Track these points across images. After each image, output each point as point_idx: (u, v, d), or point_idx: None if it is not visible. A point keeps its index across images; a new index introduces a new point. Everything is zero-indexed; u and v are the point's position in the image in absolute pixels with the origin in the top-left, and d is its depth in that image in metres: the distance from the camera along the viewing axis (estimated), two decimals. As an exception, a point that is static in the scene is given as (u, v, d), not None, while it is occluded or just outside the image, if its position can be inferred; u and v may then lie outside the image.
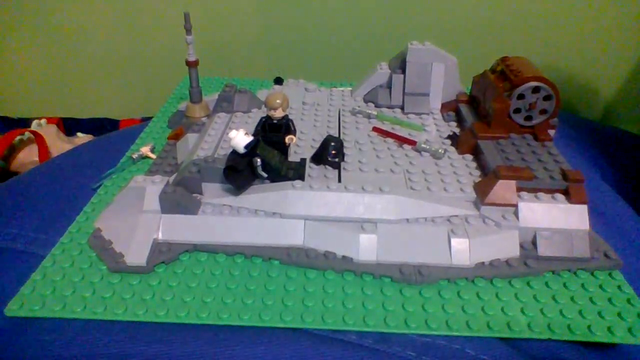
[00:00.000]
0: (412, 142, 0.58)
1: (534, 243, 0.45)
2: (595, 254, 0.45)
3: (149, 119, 0.73)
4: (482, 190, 0.48)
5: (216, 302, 0.41)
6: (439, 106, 0.67)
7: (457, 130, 0.62)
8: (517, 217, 0.46)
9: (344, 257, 0.44)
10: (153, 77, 1.16)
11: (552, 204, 0.46)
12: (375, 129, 0.61)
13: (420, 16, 1.04)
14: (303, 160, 0.54)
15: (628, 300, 0.41)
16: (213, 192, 0.49)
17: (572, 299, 0.42)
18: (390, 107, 0.68)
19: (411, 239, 0.45)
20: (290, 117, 0.53)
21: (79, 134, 1.16)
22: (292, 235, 0.46)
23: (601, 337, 0.38)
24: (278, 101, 0.50)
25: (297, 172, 0.51)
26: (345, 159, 0.55)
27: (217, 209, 0.47)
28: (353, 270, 0.44)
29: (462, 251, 0.44)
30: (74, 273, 0.43)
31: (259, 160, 0.47)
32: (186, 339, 0.38)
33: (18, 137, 1.01)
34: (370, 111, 0.65)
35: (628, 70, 1.04)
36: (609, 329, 0.39)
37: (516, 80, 0.55)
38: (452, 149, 0.58)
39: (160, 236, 0.46)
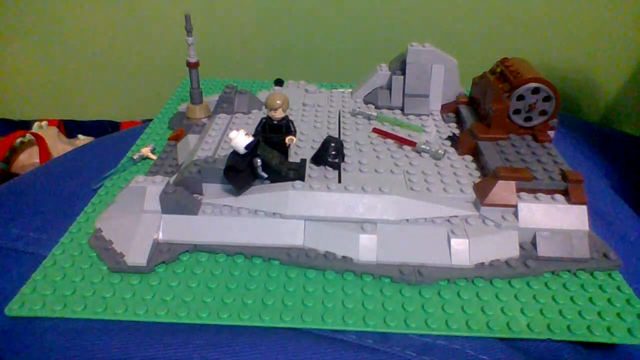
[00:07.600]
0: (412, 143, 0.58)
1: (533, 243, 0.45)
2: (595, 254, 0.45)
3: (150, 121, 0.73)
4: (481, 191, 0.48)
5: (216, 302, 0.41)
6: (439, 107, 0.68)
7: (457, 132, 0.63)
8: (517, 218, 0.46)
9: (344, 257, 0.44)
10: (154, 78, 1.16)
11: (552, 205, 0.46)
12: (375, 130, 0.61)
13: (420, 17, 1.05)
14: (303, 160, 0.54)
15: (627, 301, 0.41)
16: (213, 192, 0.50)
17: (571, 299, 0.42)
18: (390, 108, 0.68)
19: (411, 239, 0.45)
20: (291, 118, 0.53)
21: (80, 136, 1.16)
22: (292, 235, 0.46)
23: (601, 337, 0.38)
24: (278, 102, 0.50)
25: (297, 172, 0.51)
26: (346, 159, 0.55)
27: (217, 209, 0.48)
28: (353, 271, 0.44)
29: (461, 251, 0.44)
30: (75, 273, 0.43)
31: (259, 160, 0.47)
32: (186, 339, 0.38)
33: (19, 139, 1.02)
34: (370, 112, 0.66)
35: (628, 72, 1.04)
36: (608, 329, 0.39)
37: (516, 82, 0.55)
38: (452, 149, 0.58)
39: (160, 236, 0.46)
